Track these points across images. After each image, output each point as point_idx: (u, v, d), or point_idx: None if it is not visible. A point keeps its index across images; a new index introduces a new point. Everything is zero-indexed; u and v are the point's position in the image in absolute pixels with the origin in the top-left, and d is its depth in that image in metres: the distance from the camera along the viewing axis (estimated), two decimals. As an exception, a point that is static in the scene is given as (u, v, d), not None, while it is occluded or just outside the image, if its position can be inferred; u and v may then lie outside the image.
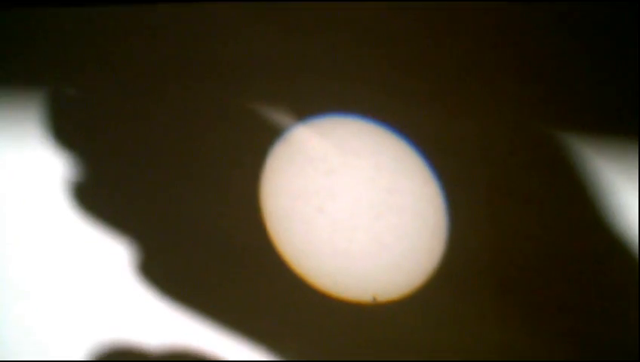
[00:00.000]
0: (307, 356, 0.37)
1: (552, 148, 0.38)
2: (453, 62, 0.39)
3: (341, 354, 0.37)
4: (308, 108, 0.39)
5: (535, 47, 0.39)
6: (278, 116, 0.39)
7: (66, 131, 0.39)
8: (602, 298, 0.36)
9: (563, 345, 0.36)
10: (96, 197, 0.38)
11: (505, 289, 0.37)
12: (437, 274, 0.37)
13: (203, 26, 0.40)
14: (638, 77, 0.38)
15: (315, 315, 0.37)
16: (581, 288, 0.36)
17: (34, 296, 0.38)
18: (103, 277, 0.38)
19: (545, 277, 0.37)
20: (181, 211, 0.38)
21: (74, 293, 0.38)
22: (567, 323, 0.36)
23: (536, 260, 0.37)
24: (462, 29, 0.39)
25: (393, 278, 0.37)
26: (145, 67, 0.40)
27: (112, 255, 0.38)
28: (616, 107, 0.38)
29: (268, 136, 0.38)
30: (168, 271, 0.38)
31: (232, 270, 0.37)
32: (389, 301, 0.37)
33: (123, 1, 0.40)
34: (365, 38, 0.40)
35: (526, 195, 0.37)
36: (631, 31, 0.39)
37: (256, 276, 0.37)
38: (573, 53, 0.39)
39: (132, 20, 0.40)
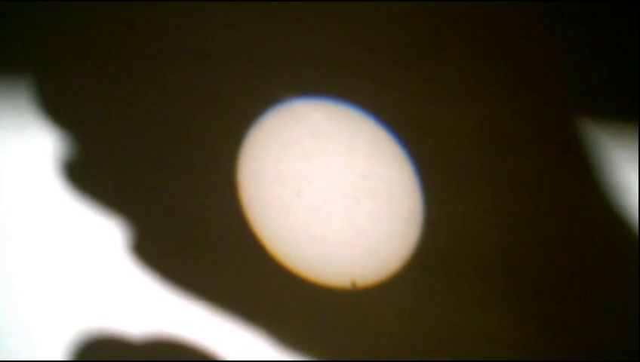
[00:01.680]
0: (284, 340, 0.36)
1: (532, 132, 0.38)
2: (431, 46, 0.39)
3: (317, 338, 0.37)
4: (282, 92, 0.38)
5: (515, 30, 0.39)
6: (252, 101, 0.38)
7: (57, 115, 0.38)
8: (597, 286, 0.37)
9: (546, 335, 0.37)
10: (85, 181, 0.37)
11: (483, 275, 0.37)
12: (413, 260, 0.37)
13: (184, 15, 0.40)
14: (635, 55, 0.38)
15: (293, 300, 0.37)
16: (562, 274, 0.37)
17: (24, 282, 0.37)
18: (92, 259, 0.37)
19: (525, 263, 0.37)
20: (163, 196, 0.37)
21: (65, 276, 0.37)
22: (547, 308, 0.37)
23: (516, 245, 0.37)
24: (441, 12, 0.40)
25: (369, 264, 0.37)
26: (131, 56, 0.39)
27: (100, 238, 0.37)
28: (611, 87, 0.39)
29: (243, 121, 0.38)
30: (151, 256, 0.37)
31: (209, 256, 0.37)
32: (366, 286, 0.37)
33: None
34: (340, 23, 0.39)
35: (504, 179, 0.38)
36: (625, 11, 0.39)
37: (233, 261, 0.37)
38: (559, 36, 0.39)
39: (119, 11, 0.39)
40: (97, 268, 0.37)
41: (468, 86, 0.39)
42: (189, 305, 0.36)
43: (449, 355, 0.36)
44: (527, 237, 0.37)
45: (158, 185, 0.37)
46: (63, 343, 0.36)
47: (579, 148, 0.38)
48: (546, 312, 0.37)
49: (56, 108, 0.38)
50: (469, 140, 0.38)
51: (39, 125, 0.38)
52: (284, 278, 0.37)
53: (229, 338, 0.36)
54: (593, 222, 0.37)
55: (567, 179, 0.38)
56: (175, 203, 0.37)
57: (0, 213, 0.37)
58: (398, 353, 0.37)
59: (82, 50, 0.39)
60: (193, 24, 0.39)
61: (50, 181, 0.37)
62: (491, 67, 0.39)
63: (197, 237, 0.37)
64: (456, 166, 0.38)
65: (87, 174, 0.37)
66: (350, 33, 0.39)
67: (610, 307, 0.37)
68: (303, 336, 0.36)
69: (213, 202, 0.37)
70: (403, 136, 0.38)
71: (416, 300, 0.37)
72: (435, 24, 0.39)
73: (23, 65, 0.39)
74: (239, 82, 0.39)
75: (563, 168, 0.38)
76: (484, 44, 0.39)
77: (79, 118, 0.38)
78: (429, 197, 0.38)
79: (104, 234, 0.37)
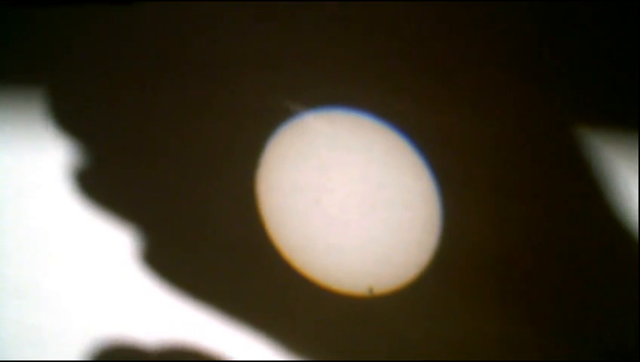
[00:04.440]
0: (301, 347, 0.37)
1: (547, 141, 0.38)
2: (448, 56, 0.39)
3: (334, 345, 0.37)
4: (299, 103, 0.39)
5: (534, 42, 0.39)
6: (271, 112, 0.39)
7: (70, 125, 0.39)
8: (603, 292, 0.37)
9: (561, 340, 0.37)
10: (99, 190, 0.38)
11: (499, 283, 0.37)
12: (430, 268, 0.38)
13: (195, 22, 0.40)
14: (638, 66, 0.38)
15: (309, 307, 0.37)
16: (579, 281, 0.37)
17: (33, 291, 0.38)
18: (106, 267, 0.38)
19: (541, 270, 0.37)
20: (181, 206, 0.38)
21: (78, 284, 0.38)
22: (565, 317, 0.37)
23: (532, 253, 0.37)
24: (456, 22, 0.40)
25: (385, 272, 0.38)
26: (141, 64, 0.40)
27: (114, 246, 0.38)
28: (615, 98, 0.38)
29: (262, 132, 0.39)
30: (165, 266, 0.38)
31: (228, 264, 0.38)
32: (382, 294, 0.38)
33: (118, 1, 0.40)
34: (356, 32, 0.40)
35: (520, 188, 0.38)
36: (631, 22, 0.39)
37: (252, 270, 0.38)
38: (572, 47, 0.39)
39: (127, 18, 0.40)
40: (111, 276, 0.38)
41: (483, 96, 0.39)
42: (204, 312, 0.37)
43: (464, 360, 0.37)
44: (543, 245, 0.37)
45: (175, 195, 0.38)
46: (76, 351, 0.37)
47: (587, 156, 0.38)
48: (562, 319, 0.37)
49: (70, 118, 0.39)
50: (485, 149, 0.38)
51: (52, 135, 0.39)
52: (302, 286, 0.38)
53: (243, 347, 0.37)
54: (605, 230, 0.37)
55: (579, 189, 0.38)
56: (193, 212, 0.38)
57: (13, 223, 0.38)
58: (413, 358, 0.37)
59: (96, 60, 0.40)
60: (212, 34, 0.40)
61: (62, 191, 0.38)
62: (508, 78, 0.39)
63: (215, 245, 0.38)
64: (471, 175, 0.38)
65: (101, 184, 0.38)
66: (368, 43, 0.40)
67: (622, 311, 0.37)
68: (319, 344, 0.37)
69: (232, 211, 0.38)
70: (419, 145, 0.38)
71: (433, 307, 0.37)
72: (453, 35, 0.40)
73: (36, 75, 0.40)
74: (257, 93, 0.39)
75: (574, 178, 0.38)
76: (501, 54, 0.39)
77: (93, 127, 0.39)
78: (444, 205, 0.38)
79: (118, 243, 0.38)
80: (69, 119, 0.39)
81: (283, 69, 0.40)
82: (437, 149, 0.38)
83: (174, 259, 0.38)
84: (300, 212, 0.38)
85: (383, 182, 0.38)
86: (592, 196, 0.38)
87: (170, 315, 0.38)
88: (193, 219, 0.38)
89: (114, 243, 0.38)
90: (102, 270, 0.38)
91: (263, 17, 0.40)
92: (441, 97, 0.39)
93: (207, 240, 0.38)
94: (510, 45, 0.39)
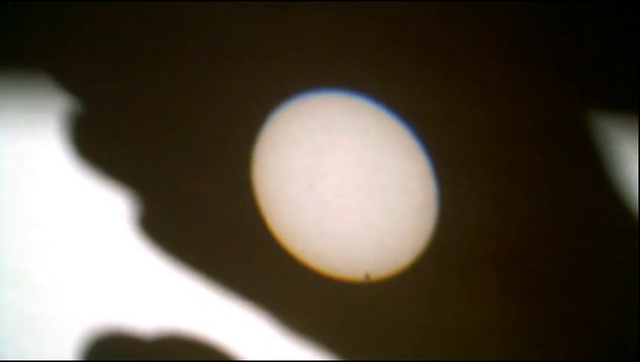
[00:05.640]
0: (297, 334, 0.37)
1: (546, 126, 0.38)
2: (442, 42, 0.39)
3: (330, 331, 0.37)
4: (293, 86, 0.39)
5: (523, 26, 0.38)
6: (265, 97, 0.39)
7: (66, 110, 0.39)
8: (605, 279, 0.36)
9: (561, 329, 0.36)
10: (96, 177, 0.38)
11: (496, 269, 0.37)
12: (426, 254, 0.37)
13: (195, 12, 0.40)
14: (637, 48, 0.37)
15: (305, 293, 0.37)
16: (580, 267, 0.37)
17: (30, 279, 0.38)
18: (103, 256, 0.38)
19: (537, 257, 0.37)
20: (176, 191, 0.38)
21: (76, 273, 0.38)
22: (565, 305, 0.36)
23: (530, 239, 0.37)
24: (452, 9, 0.39)
25: (381, 257, 0.37)
26: (143, 53, 0.40)
27: (112, 235, 0.38)
28: (615, 81, 0.38)
29: (256, 116, 0.38)
30: (163, 250, 0.38)
31: (220, 251, 0.38)
32: (378, 280, 0.37)
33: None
34: (350, 15, 0.39)
35: (516, 173, 0.37)
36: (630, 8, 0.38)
37: (246, 255, 0.38)
38: (565, 32, 0.38)
39: (130, 8, 0.40)
40: (107, 264, 0.38)
41: (478, 81, 0.38)
42: (199, 300, 0.37)
43: (461, 348, 0.37)
44: (540, 232, 0.37)
45: (171, 180, 0.38)
46: (73, 339, 0.37)
47: (586, 142, 0.37)
48: (558, 307, 0.36)
49: (68, 105, 0.39)
50: (481, 135, 0.38)
51: (49, 123, 0.39)
52: (297, 272, 0.37)
53: (239, 334, 0.37)
54: (606, 217, 0.37)
55: (577, 174, 0.37)
56: (188, 198, 0.38)
57: (10, 211, 0.39)
58: (410, 346, 0.37)
59: (95, 48, 0.40)
60: (203, 21, 0.40)
61: (59, 179, 0.39)
62: (501, 63, 0.38)
63: (209, 231, 0.38)
64: (469, 159, 0.38)
65: (98, 171, 0.38)
66: (362, 28, 0.39)
67: (623, 302, 0.36)
68: (315, 330, 0.37)
69: (226, 197, 0.38)
70: (414, 130, 0.38)
71: (429, 293, 0.37)
72: (447, 21, 0.39)
73: (36, 63, 0.40)
74: (251, 78, 0.39)
75: (572, 163, 0.37)
76: (494, 40, 0.38)
77: (90, 113, 0.39)
78: (441, 190, 0.37)
79: (115, 231, 0.38)
80: (67, 107, 0.39)
81: (276, 55, 0.39)
82: (433, 133, 0.38)
83: (167, 246, 0.38)
84: (294, 197, 0.38)
85: (379, 167, 0.38)
86: (594, 181, 0.37)
87: (167, 304, 0.38)
88: (187, 207, 0.38)
89: (111, 231, 0.38)
90: (99, 258, 0.38)
91: (258, 5, 0.40)
92: (438, 82, 0.38)
93: (200, 226, 0.38)
94: (504, 31, 0.38)
